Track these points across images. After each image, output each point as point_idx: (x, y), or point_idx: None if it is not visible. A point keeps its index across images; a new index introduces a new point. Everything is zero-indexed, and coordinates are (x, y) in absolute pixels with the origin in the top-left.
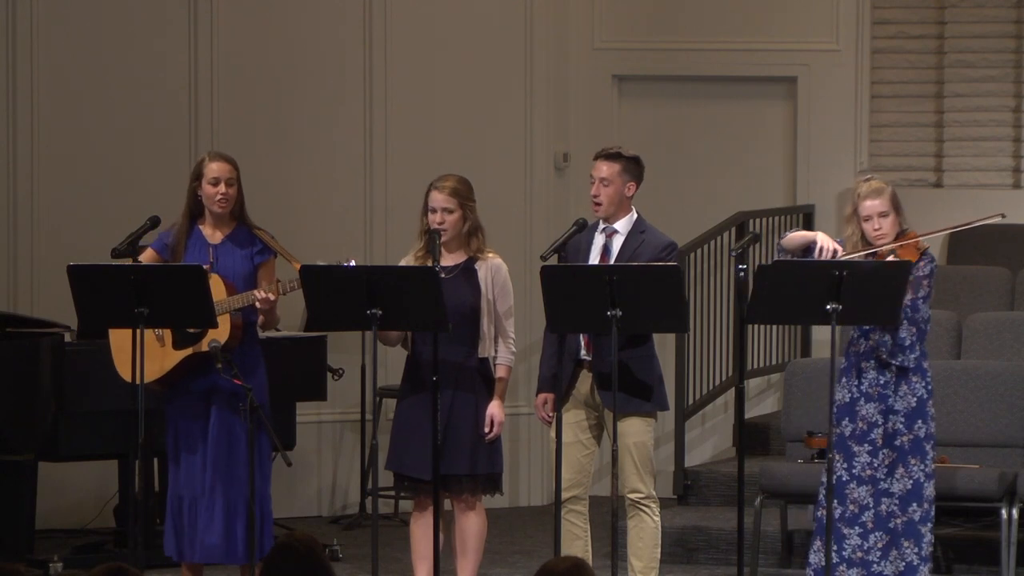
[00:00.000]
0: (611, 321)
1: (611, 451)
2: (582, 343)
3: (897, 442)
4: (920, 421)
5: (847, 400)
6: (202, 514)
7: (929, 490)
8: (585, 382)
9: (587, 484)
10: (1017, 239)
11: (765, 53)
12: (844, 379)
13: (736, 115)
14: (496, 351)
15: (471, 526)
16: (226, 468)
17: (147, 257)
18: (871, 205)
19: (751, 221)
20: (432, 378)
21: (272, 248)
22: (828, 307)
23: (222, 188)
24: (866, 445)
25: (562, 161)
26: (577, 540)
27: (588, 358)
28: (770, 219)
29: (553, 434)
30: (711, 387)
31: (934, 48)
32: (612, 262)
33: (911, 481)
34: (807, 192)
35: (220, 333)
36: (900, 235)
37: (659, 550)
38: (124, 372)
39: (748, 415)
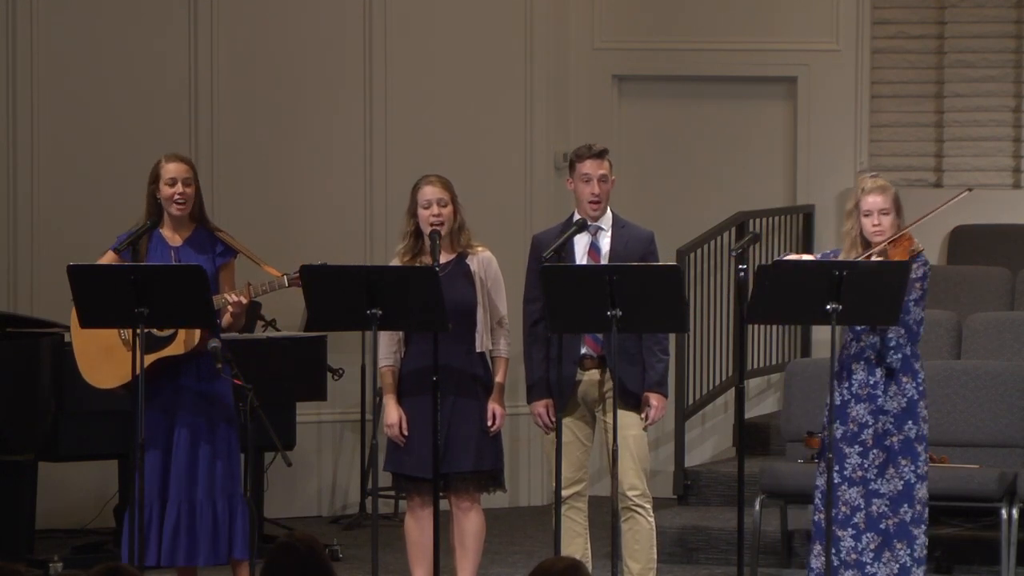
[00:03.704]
0: (611, 321)
1: (611, 451)
2: (582, 341)
3: (887, 442)
4: (911, 422)
5: (838, 403)
6: (169, 518)
7: (921, 492)
8: (587, 382)
9: (587, 481)
10: (1017, 239)
11: (765, 53)
12: (836, 382)
13: (736, 115)
14: (493, 344)
15: (471, 525)
16: (189, 473)
17: (106, 259)
18: (874, 201)
19: (751, 221)
20: (432, 378)
21: (236, 250)
22: (828, 307)
23: (179, 188)
24: (856, 446)
25: (562, 161)
26: (578, 538)
27: (592, 355)
28: (770, 219)
29: (552, 434)
30: (711, 387)
31: (934, 48)
32: (605, 259)
33: (902, 482)
34: (807, 192)
35: (189, 336)
36: (896, 238)
37: (655, 551)
38: (88, 376)
39: (748, 415)
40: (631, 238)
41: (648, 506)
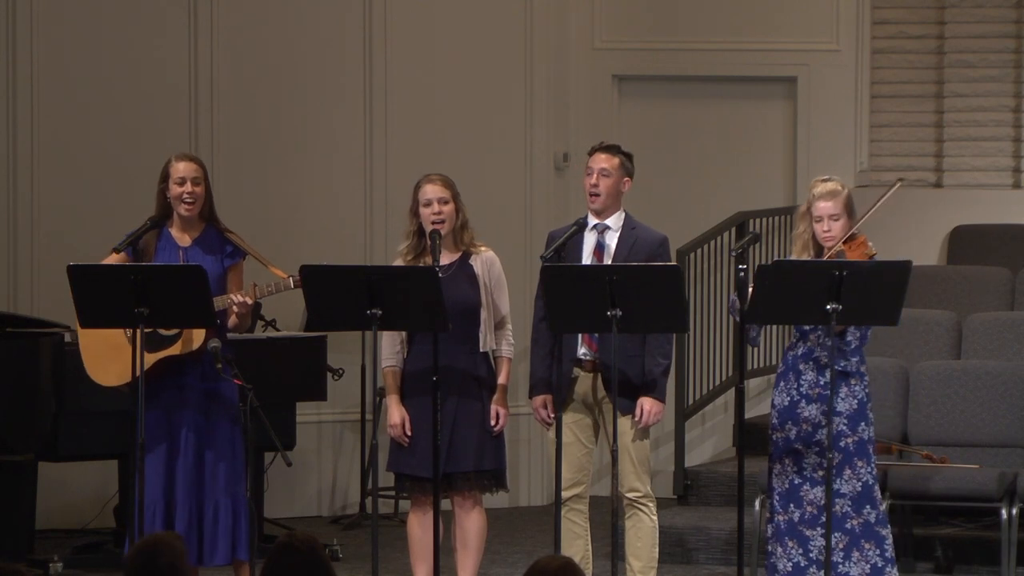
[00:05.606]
0: (611, 321)
1: (611, 451)
2: (580, 341)
3: (842, 443)
4: (863, 424)
5: (787, 403)
6: (180, 521)
7: (878, 492)
8: (584, 382)
9: (588, 483)
10: (1017, 239)
11: (765, 53)
12: (782, 382)
13: (736, 115)
14: (496, 344)
15: (473, 524)
16: (196, 472)
17: (113, 260)
18: (823, 207)
19: (751, 221)
20: (432, 378)
21: (244, 251)
22: (828, 307)
23: (188, 187)
24: (814, 446)
25: (562, 161)
26: (578, 539)
27: (589, 356)
28: (770, 219)
29: (552, 434)
30: (711, 387)
31: (934, 48)
32: (609, 259)
33: (860, 483)
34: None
35: (195, 336)
36: (849, 239)
37: (657, 549)
38: (94, 374)
39: (748, 415)
40: (639, 240)
41: (652, 505)
